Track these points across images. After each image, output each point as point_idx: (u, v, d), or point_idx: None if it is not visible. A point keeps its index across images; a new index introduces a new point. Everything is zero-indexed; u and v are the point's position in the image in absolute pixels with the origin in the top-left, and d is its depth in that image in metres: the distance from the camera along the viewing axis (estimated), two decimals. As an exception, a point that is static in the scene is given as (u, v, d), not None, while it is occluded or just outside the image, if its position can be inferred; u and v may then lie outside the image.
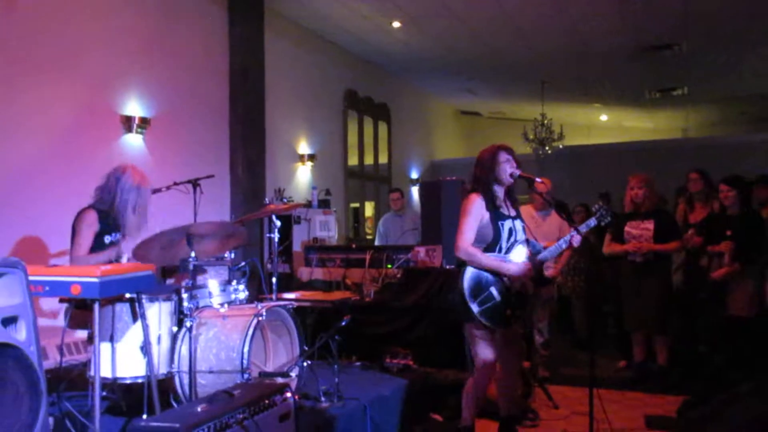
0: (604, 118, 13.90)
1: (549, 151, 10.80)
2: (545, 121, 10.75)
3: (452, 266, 4.70)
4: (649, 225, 5.07)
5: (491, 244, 3.34)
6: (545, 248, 3.43)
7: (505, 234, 3.35)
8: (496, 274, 3.32)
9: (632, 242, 5.06)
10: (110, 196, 3.51)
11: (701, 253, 5.07)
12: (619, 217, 5.25)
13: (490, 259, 3.30)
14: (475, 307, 3.25)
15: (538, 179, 3.53)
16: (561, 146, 10.94)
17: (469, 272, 3.30)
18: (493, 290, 3.30)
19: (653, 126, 14.41)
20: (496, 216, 3.35)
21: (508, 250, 3.37)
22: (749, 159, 8.94)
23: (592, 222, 3.47)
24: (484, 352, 3.37)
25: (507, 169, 3.36)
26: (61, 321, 4.01)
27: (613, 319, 6.16)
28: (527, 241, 3.43)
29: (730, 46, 8.88)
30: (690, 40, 8.47)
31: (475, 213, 3.32)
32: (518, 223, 3.44)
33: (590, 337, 5.90)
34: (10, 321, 2.20)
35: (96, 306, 2.71)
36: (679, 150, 11.18)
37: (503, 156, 3.38)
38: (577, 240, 3.36)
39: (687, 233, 5.28)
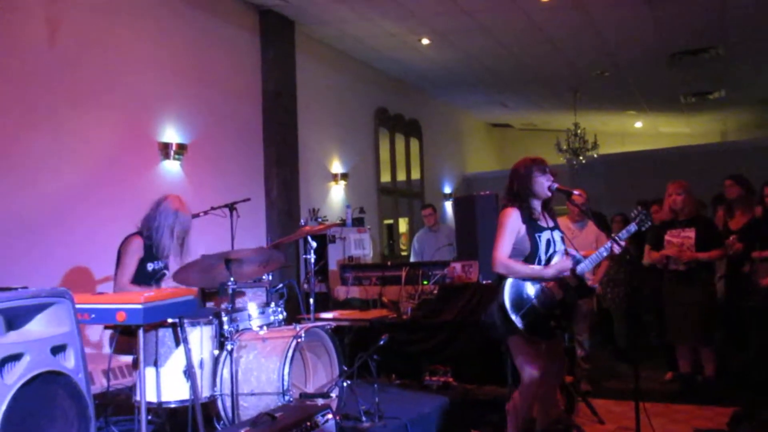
0: (638, 125, 13.68)
1: (583, 161, 10.67)
2: (578, 131, 10.63)
3: (489, 281, 4.67)
4: (690, 233, 4.96)
5: (529, 256, 3.31)
6: (585, 257, 3.38)
7: (543, 246, 3.32)
8: (538, 282, 3.28)
9: (670, 248, 4.96)
10: (151, 221, 3.62)
11: (744, 260, 4.94)
12: (658, 226, 5.15)
13: (527, 267, 3.27)
14: (518, 320, 3.21)
15: (575, 191, 3.50)
16: (595, 155, 10.79)
17: (509, 285, 3.26)
18: (536, 301, 3.26)
19: (690, 131, 14.11)
20: (533, 228, 3.32)
21: (548, 262, 3.33)
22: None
23: (633, 227, 3.40)
24: (531, 365, 3.31)
25: (544, 182, 3.33)
26: (106, 347, 4.11)
27: (655, 330, 6.03)
28: (567, 252, 3.39)
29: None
30: (728, 42, 8.31)
31: (511, 226, 3.30)
32: (556, 234, 3.40)
33: (631, 349, 5.77)
34: (59, 349, 2.28)
35: (140, 332, 2.78)
36: (717, 154, 10.91)
37: (538, 170, 3.36)
38: (617, 248, 3.30)
39: (728, 240, 5.14)
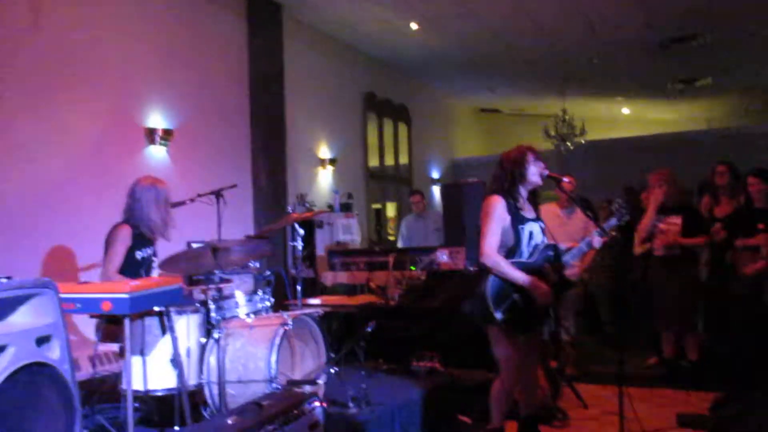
0: (626, 111, 13.72)
1: (571, 147, 10.70)
2: (566, 117, 10.65)
3: (475, 268, 4.69)
4: (677, 220, 5.02)
5: (512, 248, 3.28)
6: (567, 250, 3.38)
7: (525, 238, 3.28)
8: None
9: (660, 237, 5.02)
10: (134, 205, 3.59)
11: (727, 247, 4.99)
12: (645, 214, 5.21)
13: (512, 271, 3.20)
14: (498, 315, 3.19)
15: (565, 179, 3.50)
16: (583, 141, 10.81)
17: (493, 278, 3.22)
18: (517, 298, 3.22)
19: (676, 117, 14.17)
20: (517, 219, 3.28)
21: (531, 255, 3.31)
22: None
23: (613, 221, 3.41)
24: (507, 353, 3.32)
25: (534, 170, 3.30)
26: (92, 334, 4.09)
27: (641, 316, 6.09)
28: (551, 245, 3.37)
29: (755, 35, 8.71)
30: (715, 29, 8.32)
31: (498, 216, 3.24)
32: (538, 226, 3.37)
33: (617, 334, 5.83)
34: (43, 340, 2.26)
35: (126, 321, 2.76)
36: (702, 141, 10.99)
37: (531, 157, 3.32)
38: (597, 242, 3.31)
39: (713, 227, 5.19)
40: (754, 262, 4.71)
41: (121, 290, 2.69)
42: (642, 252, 5.20)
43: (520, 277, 3.19)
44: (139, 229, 3.57)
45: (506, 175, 3.32)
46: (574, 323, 5.20)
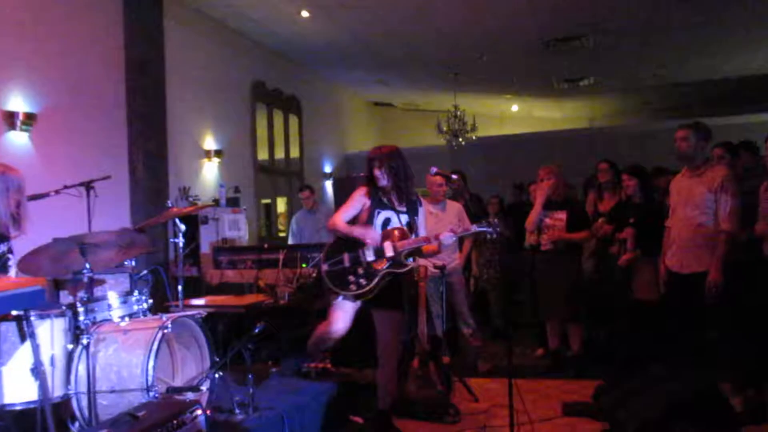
0: (515, 108, 14.32)
1: (463, 143, 11.01)
2: (458, 113, 10.93)
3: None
4: (562, 215, 5.27)
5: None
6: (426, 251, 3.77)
7: (379, 222, 3.73)
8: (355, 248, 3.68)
9: (547, 232, 5.26)
10: None
11: (612, 241, 5.32)
12: (531, 208, 5.45)
13: (347, 226, 3.70)
14: (324, 267, 3.69)
15: (453, 176, 3.64)
16: (474, 138, 11.16)
17: (332, 242, 3.78)
18: (345, 256, 3.68)
19: (562, 115, 14.99)
20: (376, 204, 3.75)
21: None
22: (653, 148, 9.44)
23: (482, 229, 3.65)
24: (334, 316, 3.75)
25: (378, 174, 3.71)
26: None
27: (529, 309, 6.36)
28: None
29: (633, 38, 9.35)
30: (596, 31, 8.84)
31: (357, 199, 3.79)
32: (403, 218, 3.75)
33: (506, 328, 6.06)
34: None
35: (-24, 328, 2.50)
36: (586, 139, 11.69)
37: (376, 164, 3.72)
38: (448, 239, 3.64)
39: (597, 222, 5.52)
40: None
41: (-30, 293, 2.42)
42: (529, 245, 5.43)
43: (353, 229, 3.69)
44: None
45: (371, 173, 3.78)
46: (471, 315, 5.34)
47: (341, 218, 3.76)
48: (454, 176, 3.72)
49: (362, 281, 3.65)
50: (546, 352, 5.70)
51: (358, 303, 3.76)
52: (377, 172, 3.73)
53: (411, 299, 4.33)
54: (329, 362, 4.32)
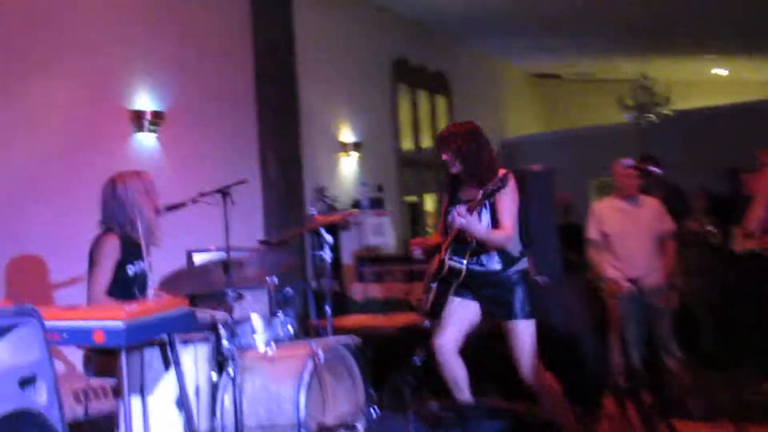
0: (722, 72, 13.49)
1: (655, 120, 10.53)
2: (647, 82, 10.48)
3: (546, 280, 4.65)
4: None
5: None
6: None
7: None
8: None
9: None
10: (118, 206, 3.56)
11: None
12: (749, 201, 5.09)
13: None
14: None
15: (655, 169, 3.49)
16: (669, 112, 10.64)
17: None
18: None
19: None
20: (450, 199, 3.89)
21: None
22: None
23: None
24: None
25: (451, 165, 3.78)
26: (73, 356, 4.10)
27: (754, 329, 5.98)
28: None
29: None
30: None
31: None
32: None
33: (721, 354, 5.75)
34: (28, 382, 2.25)
35: (122, 354, 2.76)
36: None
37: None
38: (458, 221, 3.53)
39: None
40: None
41: (116, 317, 2.67)
42: (745, 250, 5.11)
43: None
44: (129, 238, 3.56)
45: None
46: (676, 343, 5.14)
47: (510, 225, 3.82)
48: (655, 169, 3.55)
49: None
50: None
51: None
52: (445, 157, 3.77)
53: (600, 322, 4.23)
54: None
